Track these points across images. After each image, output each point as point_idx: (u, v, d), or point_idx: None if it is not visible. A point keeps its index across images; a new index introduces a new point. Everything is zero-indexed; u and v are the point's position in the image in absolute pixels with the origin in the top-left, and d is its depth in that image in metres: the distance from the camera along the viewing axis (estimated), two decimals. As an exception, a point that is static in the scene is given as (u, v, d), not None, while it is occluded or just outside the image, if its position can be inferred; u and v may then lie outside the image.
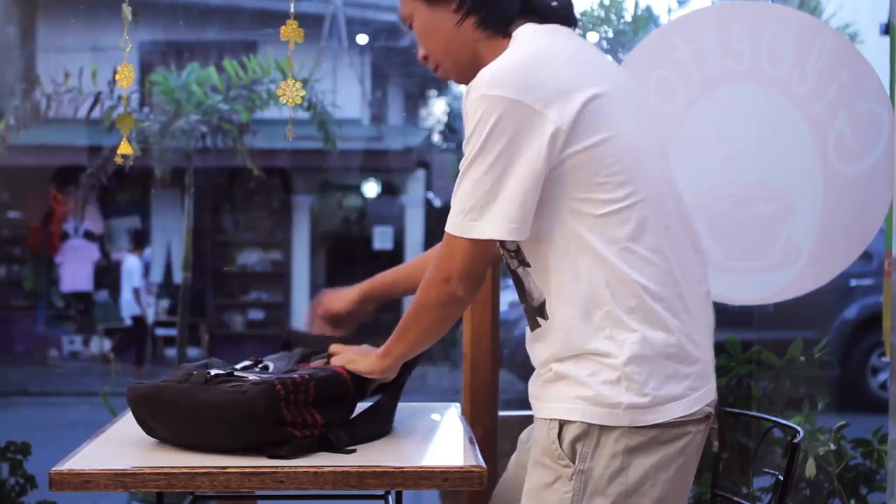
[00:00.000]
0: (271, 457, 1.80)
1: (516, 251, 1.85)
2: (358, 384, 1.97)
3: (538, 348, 1.85)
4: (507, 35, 1.85)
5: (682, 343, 1.76)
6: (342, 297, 2.29)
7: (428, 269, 1.88)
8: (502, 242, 1.86)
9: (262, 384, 1.84)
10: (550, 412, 1.79)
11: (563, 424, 1.76)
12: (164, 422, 1.91)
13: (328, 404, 1.89)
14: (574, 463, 1.75)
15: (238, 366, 2.04)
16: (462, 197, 1.76)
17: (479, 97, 1.72)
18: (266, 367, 2.05)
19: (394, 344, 1.95)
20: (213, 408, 1.83)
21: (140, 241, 10.08)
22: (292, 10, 2.44)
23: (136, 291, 9.75)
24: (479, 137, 1.72)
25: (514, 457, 2.10)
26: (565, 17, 1.89)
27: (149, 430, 1.96)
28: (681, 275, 1.79)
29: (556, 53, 1.79)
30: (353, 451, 1.87)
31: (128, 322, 9.99)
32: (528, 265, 1.83)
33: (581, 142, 1.72)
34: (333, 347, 2.07)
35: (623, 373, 1.72)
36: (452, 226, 1.78)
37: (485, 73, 1.74)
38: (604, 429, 1.73)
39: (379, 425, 2.01)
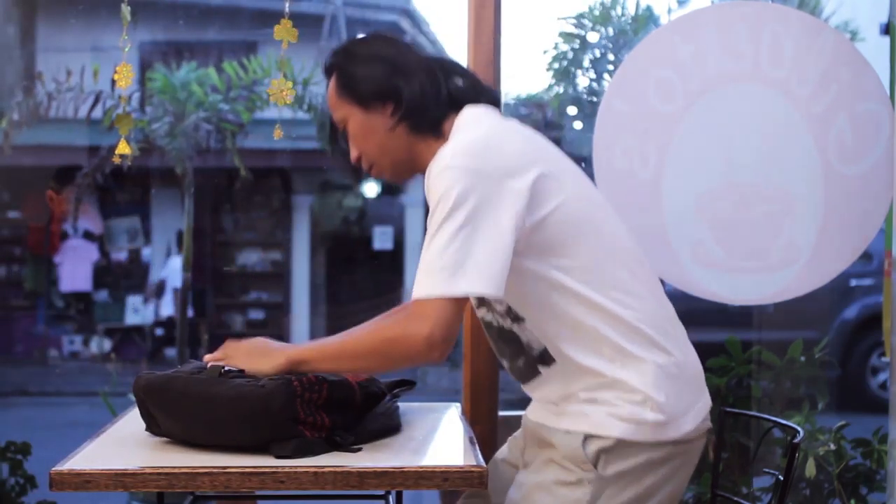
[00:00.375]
0: (277, 456, 1.80)
1: (507, 310, 1.93)
2: (366, 394, 1.96)
3: (552, 388, 1.94)
4: (440, 135, 1.95)
5: (682, 362, 1.91)
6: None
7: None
8: (491, 306, 1.96)
9: (279, 379, 1.85)
10: (578, 425, 1.88)
11: (588, 436, 1.87)
12: (171, 414, 1.90)
13: (336, 408, 1.89)
14: (596, 469, 1.85)
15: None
16: (430, 259, 1.78)
17: (443, 169, 1.81)
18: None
19: (313, 358, 1.87)
20: (228, 401, 1.82)
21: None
22: (286, 9, 2.45)
23: (175, 292, 9.67)
24: (446, 205, 1.78)
25: (502, 453, 2.14)
26: (494, 102, 2.03)
27: (151, 423, 1.95)
28: (660, 299, 1.95)
29: (506, 131, 1.92)
30: (359, 449, 1.87)
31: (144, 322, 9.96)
32: (522, 319, 1.92)
33: (543, 208, 1.83)
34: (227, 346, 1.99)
35: (645, 395, 1.85)
36: (423, 288, 1.77)
37: (446, 149, 1.84)
38: (628, 442, 1.85)
39: (383, 423, 2.01)
